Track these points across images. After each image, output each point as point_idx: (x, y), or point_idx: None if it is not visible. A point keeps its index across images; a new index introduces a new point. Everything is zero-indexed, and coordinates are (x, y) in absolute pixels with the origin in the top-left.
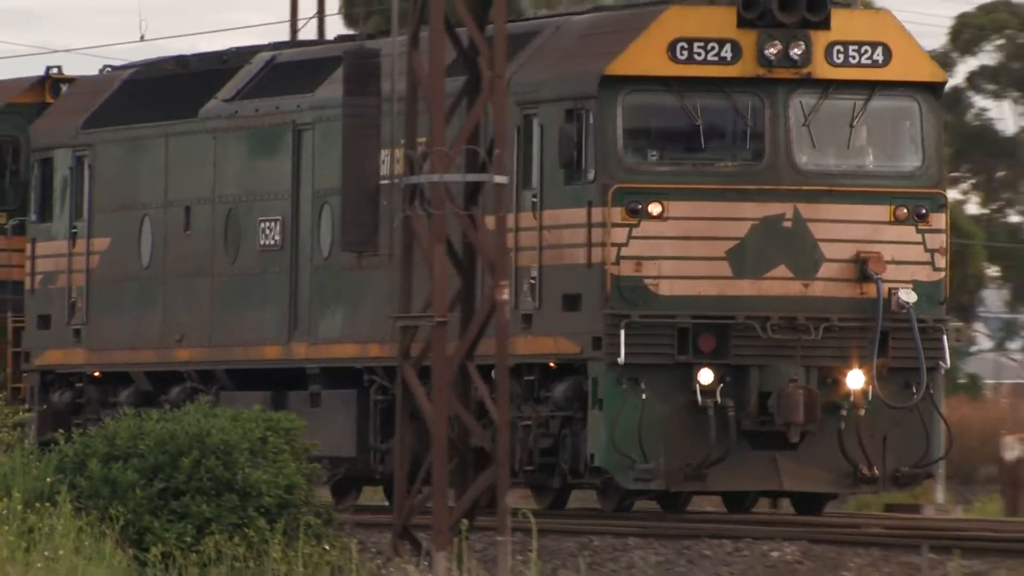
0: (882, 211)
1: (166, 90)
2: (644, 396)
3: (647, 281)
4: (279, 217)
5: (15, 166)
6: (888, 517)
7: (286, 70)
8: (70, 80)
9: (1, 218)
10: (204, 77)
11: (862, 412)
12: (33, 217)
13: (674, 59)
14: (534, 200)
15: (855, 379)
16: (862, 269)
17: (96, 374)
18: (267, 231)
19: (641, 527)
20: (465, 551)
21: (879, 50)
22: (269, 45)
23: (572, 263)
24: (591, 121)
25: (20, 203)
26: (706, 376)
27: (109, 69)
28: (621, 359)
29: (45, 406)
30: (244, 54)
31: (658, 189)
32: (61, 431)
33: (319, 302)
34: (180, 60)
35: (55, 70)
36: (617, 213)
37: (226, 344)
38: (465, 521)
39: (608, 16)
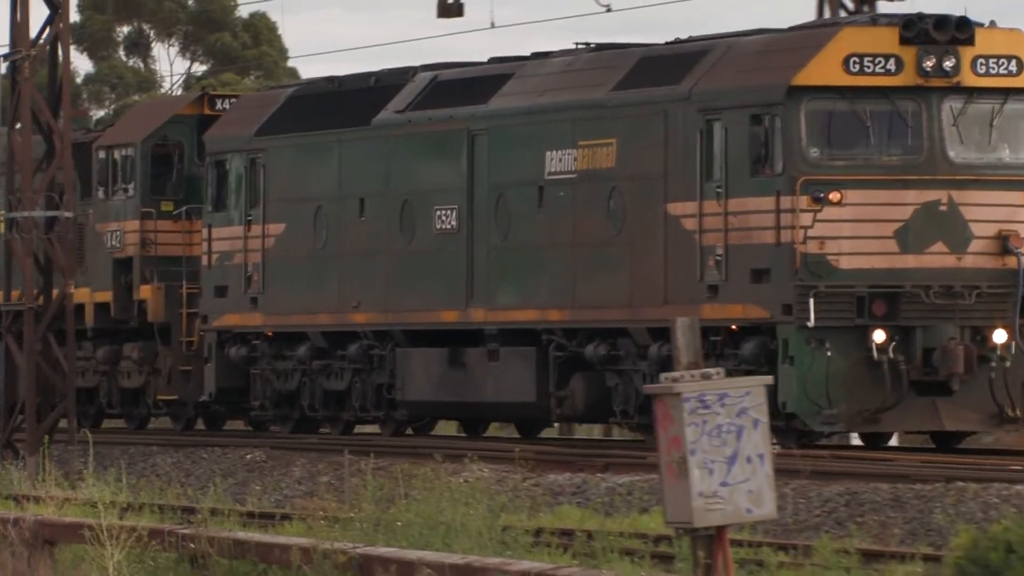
0: (1018, 196)
1: (332, 104)
2: (829, 353)
3: (829, 257)
4: (455, 206)
5: (180, 165)
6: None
7: (453, 86)
8: (222, 96)
9: (169, 206)
10: (367, 93)
11: (1007, 363)
12: (209, 207)
13: (848, 71)
14: (718, 190)
15: (1000, 336)
16: (1004, 244)
17: (269, 333)
18: (443, 217)
19: (162, 439)
20: (46, 456)
21: (1013, 62)
22: (421, 67)
23: (760, 243)
24: (778, 124)
25: (185, 194)
26: (880, 336)
27: (267, 87)
28: (811, 322)
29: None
30: (394, 74)
31: (837, 180)
32: None
33: (497, 275)
34: (331, 80)
35: (210, 88)
36: (803, 200)
37: (402, 310)
38: (47, 437)
39: (786, 36)
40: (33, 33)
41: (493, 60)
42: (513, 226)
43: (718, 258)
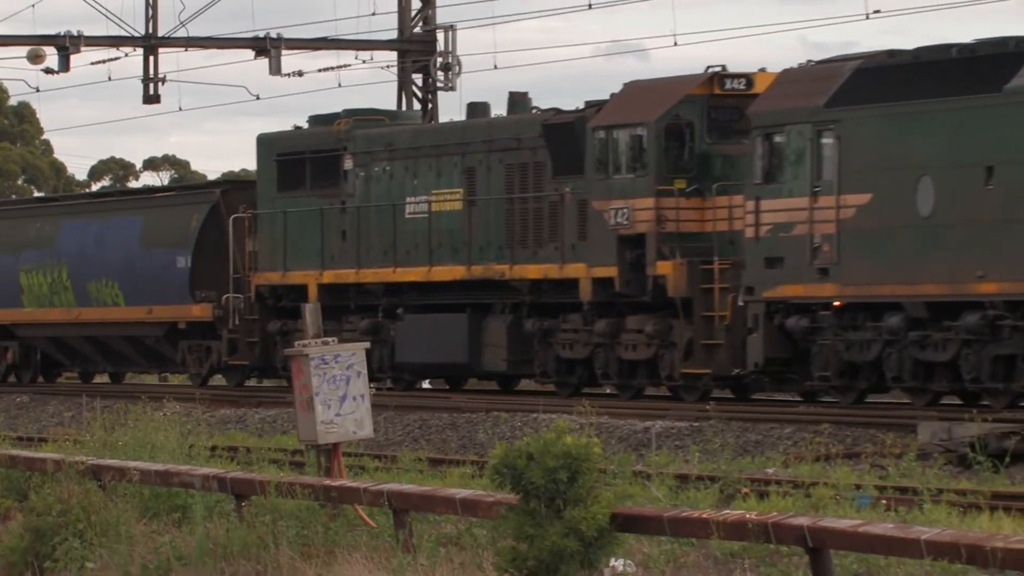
0: None
1: (923, 74)
2: None
3: None
4: None
5: (691, 143)
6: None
7: None
8: (732, 76)
9: (682, 184)
10: (966, 63)
11: None
12: (757, 180)
13: None
14: None
15: None
16: None
17: (837, 304)
18: None
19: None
20: None
21: None
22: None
23: None
24: None
25: (696, 171)
26: None
27: (811, 63)
28: None
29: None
30: (988, 44)
31: None
32: None
33: None
34: (892, 53)
35: (719, 68)
36: None
37: None
38: None
39: None
40: None
41: None
42: None
43: None
